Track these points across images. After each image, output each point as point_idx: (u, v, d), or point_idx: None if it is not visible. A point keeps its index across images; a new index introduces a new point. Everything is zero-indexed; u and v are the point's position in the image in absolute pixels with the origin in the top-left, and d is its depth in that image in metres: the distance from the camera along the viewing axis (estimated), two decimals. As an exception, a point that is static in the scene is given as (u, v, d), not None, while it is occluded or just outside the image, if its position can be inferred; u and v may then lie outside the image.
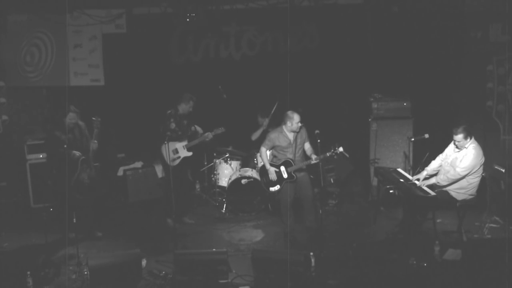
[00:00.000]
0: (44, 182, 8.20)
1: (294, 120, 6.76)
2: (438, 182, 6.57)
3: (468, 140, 6.45)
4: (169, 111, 7.50)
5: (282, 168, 6.91)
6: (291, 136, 6.86)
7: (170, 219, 7.25)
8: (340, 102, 8.84)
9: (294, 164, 6.84)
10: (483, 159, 6.47)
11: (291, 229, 6.91)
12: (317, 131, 6.83)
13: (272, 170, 6.92)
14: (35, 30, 8.86)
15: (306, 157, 6.96)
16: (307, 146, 6.98)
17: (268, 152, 7.14)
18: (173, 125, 7.45)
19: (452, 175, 6.43)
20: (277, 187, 6.96)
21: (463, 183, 6.47)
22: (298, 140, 6.84)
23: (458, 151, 6.52)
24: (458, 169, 6.39)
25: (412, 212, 6.87)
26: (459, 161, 6.44)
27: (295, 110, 6.92)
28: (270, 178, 6.92)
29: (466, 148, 6.45)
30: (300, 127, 6.83)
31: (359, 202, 8.33)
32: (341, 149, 6.70)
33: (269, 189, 7.07)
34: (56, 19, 8.65)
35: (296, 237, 6.89)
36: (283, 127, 6.89)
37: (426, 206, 6.50)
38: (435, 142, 7.32)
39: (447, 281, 5.52)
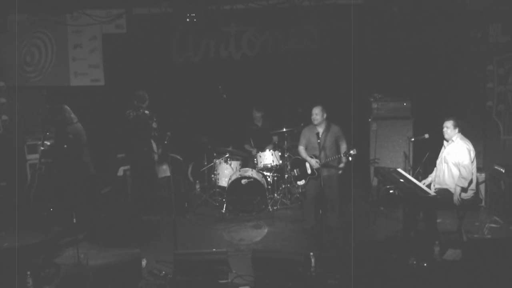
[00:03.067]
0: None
1: (312, 112, 7.01)
2: (464, 189, 6.47)
3: (456, 130, 6.50)
4: (147, 112, 7.76)
5: (307, 164, 7.21)
6: (319, 131, 6.99)
7: (149, 216, 7.90)
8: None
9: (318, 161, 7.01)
10: (472, 148, 6.46)
11: (311, 227, 7.18)
12: (317, 131, 6.85)
13: (313, 161, 7.13)
14: (35, 30, 8.86)
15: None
16: (343, 146, 7.14)
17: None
18: (155, 125, 7.76)
19: (463, 176, 6.39)
20: (302, 182, 7.36)
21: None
22: (327, 138, 6.95)
23: (448, 145, 6.54)
24: (462, 167, 6.37)
25: (412, 212, 6.86)
26: (453, 157, 6.45)
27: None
28: (311, 165, 7.17)
29: (454, 141, 6.50)
30: (325, 123, 7.04)
31: (359, 202, 8.32)
32: (354, 151, 6.91)
33: (297, 183, 7.51)
34: (56, 19, 8.65)
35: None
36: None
37: (426, 206, 6.50)
38: (435, 142, 7.32)
39: (447, 281, 5.52)
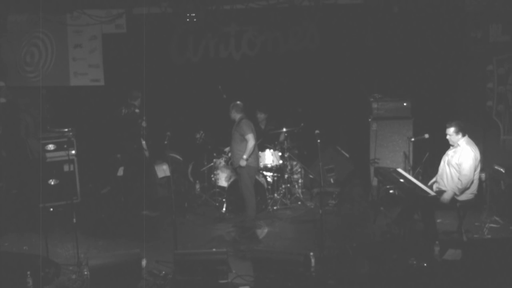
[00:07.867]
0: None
1: None
2: (456, 195, 6.46)
3: (460, 136, 6.46)
4: (137, 110, 7.95)
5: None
6: None
7: (147, 211, 7.97)
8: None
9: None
10: (478, 154, 6.45)
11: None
12: (317, 131, 6.84)
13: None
14: (35, 30, 8.86)
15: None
16: (249, 142, 7.23)
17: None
18: (145, 123, 7.92)
19: (461, 184, 6.39)
20: None
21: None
22: (234, 134, 7.37)
23: (453, 150, 6.52)
24: (461, 176, 6.37)
25: (410, 211, 6.87)
26: (456, 159, 6.44)
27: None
28: None
29: (459, 145, 6.46)
30: (238, 118, 7.38)
31: (359, 202, 8.32)
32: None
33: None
34: (56, 19, 8.65)
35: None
36: None
37: (426, 206, 6.49)
38: (435, 142, 7.32)
39: (447, 281, 5.52)
